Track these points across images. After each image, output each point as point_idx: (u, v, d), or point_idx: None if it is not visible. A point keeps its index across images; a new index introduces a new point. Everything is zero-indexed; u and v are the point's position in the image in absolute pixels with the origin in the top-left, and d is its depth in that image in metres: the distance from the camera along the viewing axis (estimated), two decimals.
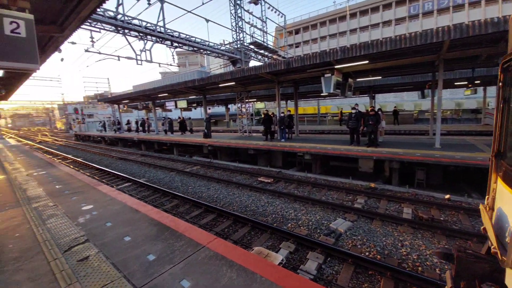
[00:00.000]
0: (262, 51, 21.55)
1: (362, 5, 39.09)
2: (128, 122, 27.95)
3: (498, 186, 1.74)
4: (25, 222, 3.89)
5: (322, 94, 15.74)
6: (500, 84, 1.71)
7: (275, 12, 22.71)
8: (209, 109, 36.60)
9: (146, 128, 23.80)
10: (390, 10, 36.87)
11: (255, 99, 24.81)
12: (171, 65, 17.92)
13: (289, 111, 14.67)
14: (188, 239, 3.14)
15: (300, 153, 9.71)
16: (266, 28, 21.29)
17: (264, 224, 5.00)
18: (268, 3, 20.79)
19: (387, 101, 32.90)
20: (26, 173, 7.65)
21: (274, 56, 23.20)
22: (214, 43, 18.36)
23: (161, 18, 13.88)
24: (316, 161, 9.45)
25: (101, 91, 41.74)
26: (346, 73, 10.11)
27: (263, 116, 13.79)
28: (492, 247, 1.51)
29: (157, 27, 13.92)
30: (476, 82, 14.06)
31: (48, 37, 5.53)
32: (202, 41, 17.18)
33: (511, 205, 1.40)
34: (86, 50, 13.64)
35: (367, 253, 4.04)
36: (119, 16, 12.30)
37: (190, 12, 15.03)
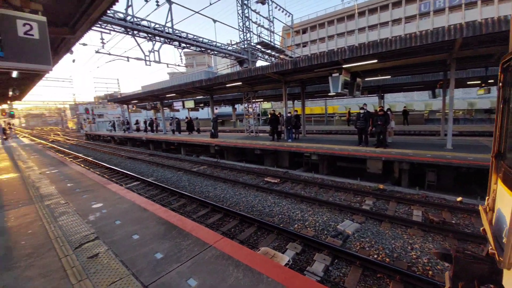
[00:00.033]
0: (269, 51, 21.52)
1: (371, 3, 38.50)
2: (137, 122, 28.43)
3: (498, 187, 1.73)
4: (37, 219, 4.00)
5: (329, 94, 15.58)
6: (500, 84, 1.69)
7: (282, 11, 22.63)
8: (216, 109, 36.81)
9: (154, 128, 24.14)
10: (400, 8, 36.18)
11: (262, 99, 24.79)
12: (179, 65, 18.09)
13: (296, 111, 14.59)
14: (195, 238, 3.17)
15: (307, 153, 9.64)
16: (273, 28, 21.25)
17: (271, 224, 4.99)
18: (275, 3, 20.73)
19: (396, 101, 32.30)
20: (39, 172, 7.88)
21: (281, 56, 23.13)
22: (221, 43, 18.44)
23: (169, 19, 14.05)
24: (323, 162, 9.36)
25: (111, 92, 42.63)
26: (354, 72, 9.97)
27: (269, 116, 13.77)
28: (489, 248, 1.51)
29: (165, 28, 14.10)
30: (489, 81, 13.63)
31: (60, 38, 5.68)
32: (210, 41, 17.30)
33: (508, 205, 1.39)
34: (97, 51, 13.94)
35: (375, 256, 3.98)
36: (128, 18, 12.51)
37: (197, 12, 15.16)
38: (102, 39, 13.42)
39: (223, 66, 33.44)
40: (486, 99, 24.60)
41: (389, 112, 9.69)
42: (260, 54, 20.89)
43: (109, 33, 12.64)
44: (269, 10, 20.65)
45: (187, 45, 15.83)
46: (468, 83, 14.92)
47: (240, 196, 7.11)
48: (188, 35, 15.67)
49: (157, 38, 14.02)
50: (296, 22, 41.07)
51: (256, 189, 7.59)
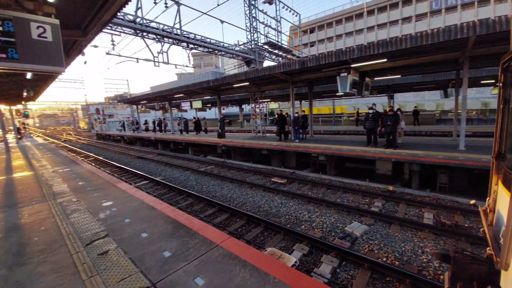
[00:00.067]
0: (276, 51, 21.49)
1: (380, 2, 37.87)
2: (146, 122, 28.89)
3: (499, 188, 1.72)
4: (50, 216, 4.12)
5: (337, 94, 15.44)
6: (501, 84, 1.68)
7: (290, 11, 22.57)
8: (223, 109, 36.99)
9: (163, 128, 24.48)
10: (410, 6, 35.42)
11: (269, 99, 24.75)
12: (187, 66, 18.30)
13: (303, 111, 14.49)
14: (202, 237, 3.19)
15: (314, 154, 9.57)
16: (281, 28, 21.21)
17: (277, 225, 4.97)
18: (282, 3, 20.70)
19: (406, 100, 31.63)
20: (52, 170, 8.11)
21: (289, 56, 23.05)
22: (229, 44, 18.54)
23: (177, 20, 14.24)
24: (331, 162, 9.27)
25: (121, 92, 43.50)
26: (363, 72, 9.83)
27: (277, 116, 13.73)
28: (488, 249, 1.50)
29: (174, 29, 14.29)
30: None
31: (73, 41, 5.83)
32: (217, 42, 17.41)
33: (506, 206, 1.38)
34: (107, 53, 14.26)
35: (384, 259, 3.90)
36: (138, 20, 12.74)
37: (205, 13, 15.29)
38: (112, 41, 13.74)
39: (230, 67, 33.60)
40: None
41: (399, 112, 9.49)
42: (267, 54, 20.88)
43: (119, 35, 12.92)
44: (276, 10, 20.64)
45: (195, 46, 15.99)
46: (481, 82, 14.45)
47: (247, 196, 7.12)
48: (196, 36, 15.83)
49: (166, 39, 14.22)
50: (303, 22, 40.87)
51: (263, 189, 7.58)
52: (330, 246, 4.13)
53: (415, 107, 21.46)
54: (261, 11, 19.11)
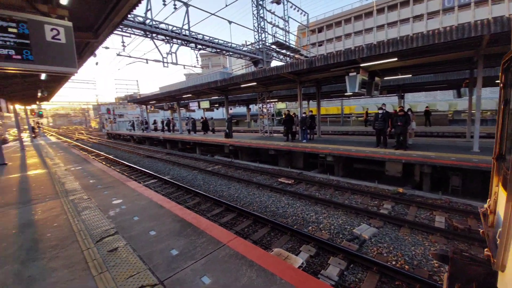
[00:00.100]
0: (284, 51, 21.42)
1: (390, 0, 37.16)
2: (155, 122, 29.34)
3: (499, 189, 1.70)
4: (62, 213, 4.24)
5: (346, 94, 15.23)
6: (501, 85, 1.66)
7: (298, 10, 22.46)
8: (231, 109, 37.15)
9: (171, 128, 24.80)
10: (422, 3, 34.60)
11: (277, 99, 24.69)
12: (195, 66, 18.49)
13: (311, 111, 14.37)
14: (209, 236, 3.20)
15: (322, 154, 9.47)
16: (289, 28, 21.13)
17: (284, 225, 4.95)
18: (290, 2, 20.61)
19: (417, 100, 30.92)
20: (65, 168, 8.35)
21: (296, 56, 22.93)
22: (236, 44, 18.60)
23: (186, 21, 14.40)
24: (339, 163, 9.15)
25: (131, 93, 44.34)
26: (373, 71, 9.67)
27: (284, 116, 13.68)
28: (485, 250, 1.50)
29: (182, 30, 14.45)
30: None
31: (85, 43, 5.97)
32: (225, 42, 17.50)
33: (504, 207, 1.38)
34: (118, 54, 14.56)
35: (393, 262, 3.82)
36: (147, 21, 12.96)
37: (213, 14, 15.39)
38: (123, 42, 14.02)
39: (238, 67, 33.72)
40: None
41: (409, 113, 9.28)
42: (275, 54, 20.84)
43: (129, 37, 13.17)
44: (284, 10, 20.58)
45: (203, 47, 16.12)
46: (496, 81, 13.95)
47: (254, 196, 7.12)
48: (204, 36, 15.96)
49: (175, 40, 14.40)
50: (311, 21, 40.56)
51: (270, 190, 7.56)
52: (337, 248, 4.08)
53: (427, 107, 20.93)
54: (269, 11, 19.09)
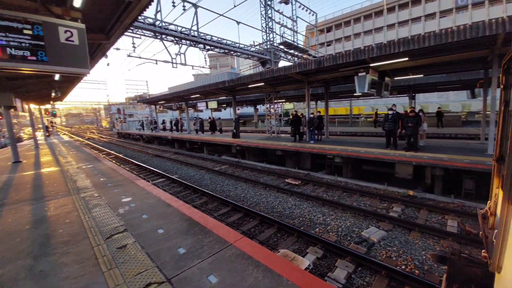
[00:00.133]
0: (292, 51, 21.33)
1: None
2: (163, 122, 29.77)
3: (500, 191, 1.69)
4: (74, 210, 4.35)
5: (355, 94, 15.01)
6: (502, 86, 1.65)
7: (306, 10, 22.31)
8: (238, 109, 37.27)
9: (179, 128, 25.10)
10: (434, 2, 33.72)
11: (284, 100, 24.60)
12: (203, 67, 18.64)
13: (319, 112, 14.24)
14: (216, 236, 3.22)
15: (330, 155, 9.36)
16: (297, 28, 21.03)
17: (291, 226, 4.92)
18: (299, 2, 20.51)
19: (429, 101, 30.16)
20: (76, 166, 8.57)
21: (304, 56, 22.78)
22: (244, 45, 18.65)
23: (194, 22, 14.54)
24: (347, 165, 9.02)
25: (141, 93, 45.17)
26: (383, 71, 9.49)
27: (291, 117, 13.62)
28: (483, 251, 1.51)
29: (191, 31, 14.61)
30: None
31: (97, 44, 6.13)
32: (233, 43, 17.58)
33: (501, 208, 1.39)
34: (129, 55, 14.86)
35: (403, 267, 3.73)
36: (157, 23, 13.16)
37: (222, 15, 15.48)
38: (133, 43, 14.30)
39: (245, 67, 33.79)
40: None
41: (421, 114, 9.06)
42: (282, 55, 20.78)
43: (140, 38, 13.41)
44: (292, 10, 20.49)
45: (211, 47, 16.25)
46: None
47: (261, 196, 7.11)
48: (213, 37, 16.08)
49: (184, 41, 14.58)
50: (320, 21, 40.24)
51: (277, 190, 7.53)
52: (345, 251, 4.02)
53: (439, 108, 20.39)
54: (277, 11, 19.05)
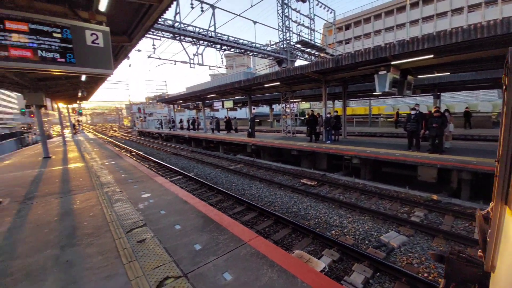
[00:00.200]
0: (309, 50, 21.00)
1: None
2: (181, 121, 30.54)
3: None
4: (97, 203, 4.58)
5: (374, 94, 14.49)
6: (504, 87, 1.59)
7: (324, 8, 21.88)
8: (254, 109, 37.34)
9: (196, 127, 25.63)
10: None
11: (300, 99, 24.31)
12: (219, 67, 18.87)
13: (336, 111, 13.91)
14: (231, 234, 3.24)
15: (348, 156, 9.11)
16: (314, 26, 20.68)
17: (306, 227, 4.85)
18: (317, 0, 20.14)
19: (456, 100, 28.43)
20: (100, 162, 9.02)
21: (322, 55, 22.35)
22: (261, 44, 18.63)
23: (212, 23, 14.76)
24: (366, 166, 8.73)
25: (160, 93, 46.67)
26: (405, 69, 9.08)
27: (307, 116, 13.42)
28: (479, 251, 1.52)
29: (209, 32, 14.84)
30: None
31: (120, 46, 6.39)
32: (249, 42, 17.63)
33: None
34: (149, 56, 15.38)
35: (425, 274, 3.55)
36: (176, 24, 13.50)
37: (238, 15, 15.59)
38: (153, 45, 14.78)
39: (261, 67, 33.77)
40: None
41: (446, 114, 8.55)
42: (299, 54, 20.52)
43: (159, 39, 13.82)
44: (310, 8, 20.18)
45: (228, 48, 16.40)
46: None
47: (275, 196, 7.08)
48: (229, 37, 16.22)
49: (201, 42, 14.84)
50: (338, 18, 39.28)
51: (292, 191, 7.46)
52: (363, 255, 3.89)
53: (467, 108, 19.16)
54: (294, 9, 18.85)
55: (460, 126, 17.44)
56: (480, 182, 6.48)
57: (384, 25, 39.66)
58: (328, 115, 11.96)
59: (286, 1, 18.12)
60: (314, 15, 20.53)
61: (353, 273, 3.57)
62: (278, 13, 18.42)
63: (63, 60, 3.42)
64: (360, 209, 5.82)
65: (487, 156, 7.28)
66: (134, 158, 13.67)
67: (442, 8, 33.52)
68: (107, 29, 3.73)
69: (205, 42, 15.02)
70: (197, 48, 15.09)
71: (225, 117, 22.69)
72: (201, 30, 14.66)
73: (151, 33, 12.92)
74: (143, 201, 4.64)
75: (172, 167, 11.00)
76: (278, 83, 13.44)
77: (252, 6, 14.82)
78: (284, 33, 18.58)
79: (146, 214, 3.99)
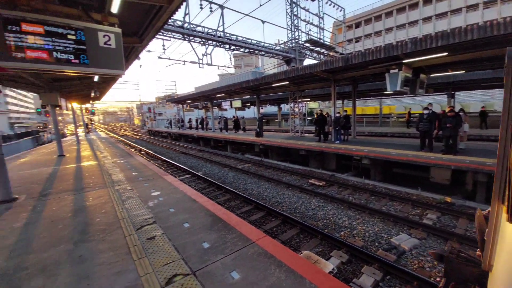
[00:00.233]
0: (318, 49, 20.80)
1: None
2: (190, 120, 30.90)
3: None
4: (109, 201, 4.69)
5: (385, 93, 14.19)
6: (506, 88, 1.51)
7: (334, 6, 21.60)
8: (262, 108, 37.30)
9: (205, 126, 25.86)
10: None
11: (309, 99, 24.10)
12: (228, 67, 18.97)
13: (345, 111, 13.71)
14: (239, 233, 3.25)
15: (357, 156, 8.97)
16: (323, 24, 20.48)
17: (314, 228, 4.80)
18: None
19: (471, 100, 27.47)
20: (112, 161, 9.24)
21: (331, 53, 22.09)
22: (269, 44, 18.60)
23: (221, 23, 14.85)
24: (376, 167, 8.56)
25: (169, 93, 47.35)
26: (417, 68, 8.84)
27: (316, 116, 13.29)
28: (477, 250, 1.53)
29: (217, 32, 14.94)
30: None
31: (131, 47, 6.52)
32: (258, 42, 17.63)
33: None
34: (159, 57, 15.63)
35: (438, 279, 3.44)
36: (185, 25, 13.67)
37: (247, 15, 15.60)
38: (163, 45, 15.02)
39: (270, 66, 33.71)
40: None
41: (461, 113, 8.27)
42: (308, 53, 20.37)
43: (169, 40, 14.04)
44: (319, 6, 19.99)
45: (237, 47, 16.46)
46: None
47: (283, 196, 7.05)
48: (238, 37, 16.28)
49: (210, 42, 14.97)
50: (348, 16, 38.70)
51: (300, 191, 7.41)
52: (372, 257, 3.82)
53: (483, 107, 18.49)
54: (303, 8, 18.70)
55: (475, 126, 16.84)
56: None
57: (395, 23, 38.77)
58: (337, 115, 11.81)
59: (295, 0, 18.00)
60: (323, 13, 20.33)
61: (362, 276, 3.51)
62: (286, 12, 18.33)
63: (77, 61, 3.52)
64: (370, 210, 5.71)
65: None
66: (144, 157, 13.93)
67: (457, 5, 32.46)
68: (119, 30, 3.81)
69: (214, 42, 15.14)
70: (206, 48, 15.23)
71: (233, 117, 22.76)
72: (210, 31, 14.78)
73: (161, 34, 13.13)
74: (153, 199, 4.72)
75: (181, 166, 11.14)
76: (287, 82, 13.37)
77: (260, 5, 14.81)
78: (293, 32, 18.48)
79: (155, 212, 4.06)
